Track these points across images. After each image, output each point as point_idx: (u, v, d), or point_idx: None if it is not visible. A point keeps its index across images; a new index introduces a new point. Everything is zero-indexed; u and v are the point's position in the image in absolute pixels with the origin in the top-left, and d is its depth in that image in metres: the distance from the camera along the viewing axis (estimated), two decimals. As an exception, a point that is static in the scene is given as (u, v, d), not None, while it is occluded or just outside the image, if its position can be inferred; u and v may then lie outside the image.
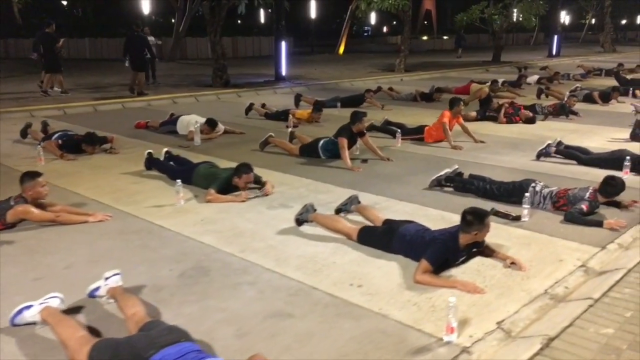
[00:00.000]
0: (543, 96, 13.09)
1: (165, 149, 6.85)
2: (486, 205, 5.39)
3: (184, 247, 4.35)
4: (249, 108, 10.75)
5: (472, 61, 25.79)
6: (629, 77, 16.66)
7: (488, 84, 13.74)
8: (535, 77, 16.47)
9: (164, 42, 27.86)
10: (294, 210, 5.18)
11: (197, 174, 5.93)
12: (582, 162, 6.97)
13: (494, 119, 10.04)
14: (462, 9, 26.57)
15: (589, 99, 12.29)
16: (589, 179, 6.33)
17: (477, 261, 4.11)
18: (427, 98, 12.86)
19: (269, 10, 17.73)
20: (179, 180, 5.45)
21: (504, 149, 7.97)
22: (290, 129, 8.19)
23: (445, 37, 41.35)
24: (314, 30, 35.10)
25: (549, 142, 7.29)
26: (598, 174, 6.58)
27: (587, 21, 48.68)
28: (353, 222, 4.69)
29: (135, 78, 13.64)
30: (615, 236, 4.63)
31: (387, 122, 9.21)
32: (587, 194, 5.12)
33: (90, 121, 10.27)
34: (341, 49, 33.04)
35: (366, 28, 54.68)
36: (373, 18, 42.57)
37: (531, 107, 10.79)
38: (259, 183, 5.85)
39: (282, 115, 10.08)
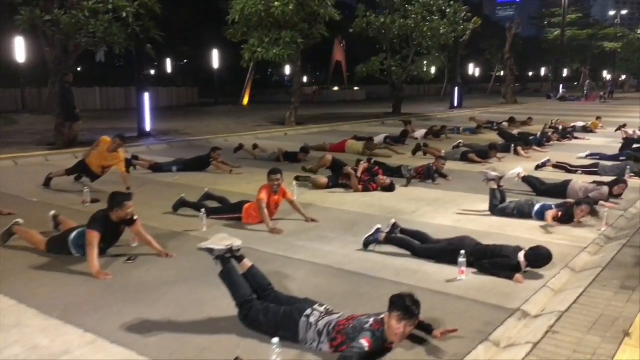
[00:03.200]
0: (421, 154, 11.83)
1: None
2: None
3: None
4: (48, 179, 8.62)
5: (371, 113, 24.86)
6: (518, 131, 15.96)
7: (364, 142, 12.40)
8: (423, 132, 15.36)
9: (40, 93, 25.34)
10: None
11: None
12: (416, 253, 5.34)
13: (347, 186, 8.45)
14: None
15: (466, 158, 11.07)
16: (412, 282, 4.66)
17: None
18: (291, 158, 11.19)
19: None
20: None
21: (334, 232, 6.26)
22: (52, 213, 6.07)
23: (356, 88, 41.01)
24: (217, 80, 33.49)
25: (378, 226, 5.63)
26: (429, 272, 4.99)
27: (495, 73, 50.38)
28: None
29: (70, 130, 13.03)
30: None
31: (208, 196, 7.34)
32: (370, 322, 3.38)
33: None
34: (245, 100, 31.55)
35: (286, 78, 54.09)
36: (287, 68, 41.68)
37: (397, 170, 9.38)
38: None
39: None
